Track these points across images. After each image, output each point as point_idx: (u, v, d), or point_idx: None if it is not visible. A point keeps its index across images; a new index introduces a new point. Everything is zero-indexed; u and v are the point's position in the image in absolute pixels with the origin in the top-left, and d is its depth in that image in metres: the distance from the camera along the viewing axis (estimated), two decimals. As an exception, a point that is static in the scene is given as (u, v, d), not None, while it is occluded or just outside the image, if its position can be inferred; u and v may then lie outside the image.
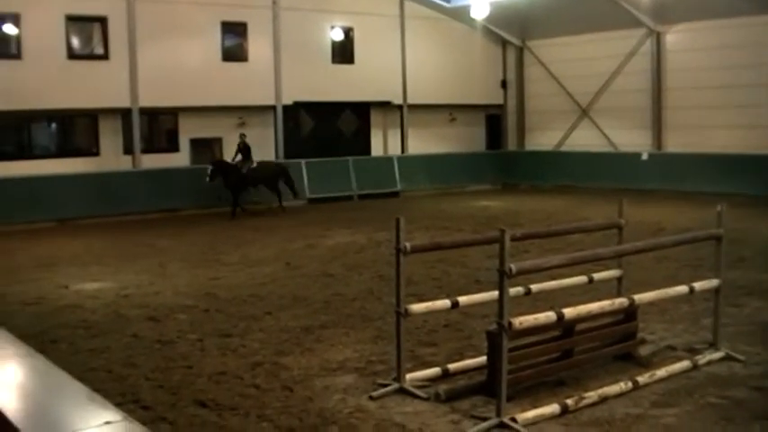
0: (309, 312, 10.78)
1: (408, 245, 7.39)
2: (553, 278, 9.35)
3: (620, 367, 7.96)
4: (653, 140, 27.23)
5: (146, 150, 24.12)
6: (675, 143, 26.65)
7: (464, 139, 31.25)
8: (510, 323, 6.49)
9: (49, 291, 12.72)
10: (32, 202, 21.13)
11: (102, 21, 23.14)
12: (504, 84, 32.02)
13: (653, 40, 26.89)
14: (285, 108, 26.41)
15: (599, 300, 7.90)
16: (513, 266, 6.43)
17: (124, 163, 23.96)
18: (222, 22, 25.14)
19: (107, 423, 2.53)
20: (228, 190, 22.60)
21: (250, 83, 25.46)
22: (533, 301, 9.44)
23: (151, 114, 24.70)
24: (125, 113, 23.64)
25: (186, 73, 23.95)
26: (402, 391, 7.38)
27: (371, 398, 7.30)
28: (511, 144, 32.17)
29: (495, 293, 6.86)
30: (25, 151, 23.16)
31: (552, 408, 6.76)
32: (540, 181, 29.42)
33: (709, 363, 8.00)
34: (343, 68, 27.58)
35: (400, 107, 29.16)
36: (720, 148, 24.57)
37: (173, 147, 24.27)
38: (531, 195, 27.19)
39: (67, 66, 22.60)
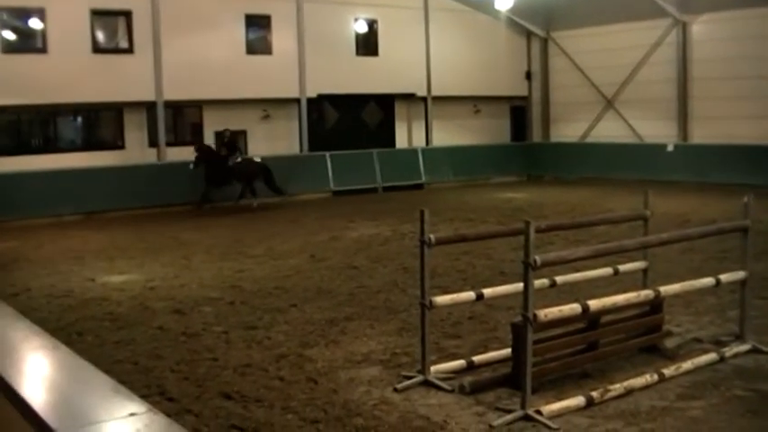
0: (334, 305, 10.79)
1: (433, 237, 7.37)
2: (578, 270, 9.33)
3: (646, 359, 7.91)
4: (678, 131, 26.98)
5: (170, 143, 24.25)
6: (701, 134, 26.40)
7: (489, 131, 31.11)
8: (535, 315, 6.47)
9: (76, 283, 12.81)
10: (59, 195, 21.25)
11: (127, 14, 23.28)
12: (528, 75, 31.85)
13: (678, 30, 26.62)
14: (309, 101, 26.41)
15: (624, 292, 7.88)
16: (538, 258, 6.42)
17: (149, 156, 24.11)
18: (246, 15, 25.19)
19: (132, 415, 2.54)
20: (207, 181, 22.40)
21: (274, 76, 25.47)
22: (558, 293, 9.39)
23: (176, 107, 24.84)
24: (150, 107, 23.78)
25: (210, 66, 24.01)
26: (426, 384, 7.36)
27: (396, 390, 7.29)
28: (536, 136, 31.98)
29: (520, 285, 6.85)
30: (51, 145, 23.36)
31: (577, 400, 6.73)
32: (565, 172, 29.26)
33: (736, 355, 7.93)
34: (368, 61, 27.56)
35: (424, 99, 29.08)
36: (746, 138, 24.26)
37: (197, 139, 24.33)
38: (556, 187, 27.09)
39: (92, 60, 22.75)
